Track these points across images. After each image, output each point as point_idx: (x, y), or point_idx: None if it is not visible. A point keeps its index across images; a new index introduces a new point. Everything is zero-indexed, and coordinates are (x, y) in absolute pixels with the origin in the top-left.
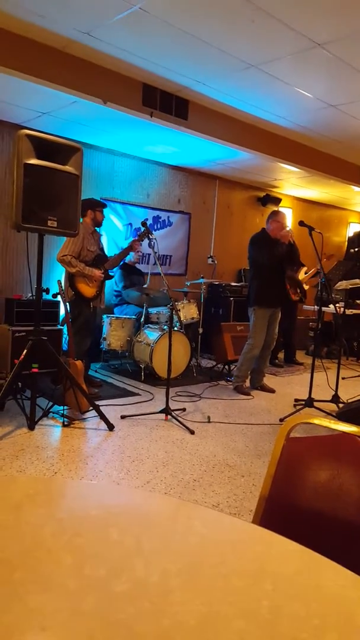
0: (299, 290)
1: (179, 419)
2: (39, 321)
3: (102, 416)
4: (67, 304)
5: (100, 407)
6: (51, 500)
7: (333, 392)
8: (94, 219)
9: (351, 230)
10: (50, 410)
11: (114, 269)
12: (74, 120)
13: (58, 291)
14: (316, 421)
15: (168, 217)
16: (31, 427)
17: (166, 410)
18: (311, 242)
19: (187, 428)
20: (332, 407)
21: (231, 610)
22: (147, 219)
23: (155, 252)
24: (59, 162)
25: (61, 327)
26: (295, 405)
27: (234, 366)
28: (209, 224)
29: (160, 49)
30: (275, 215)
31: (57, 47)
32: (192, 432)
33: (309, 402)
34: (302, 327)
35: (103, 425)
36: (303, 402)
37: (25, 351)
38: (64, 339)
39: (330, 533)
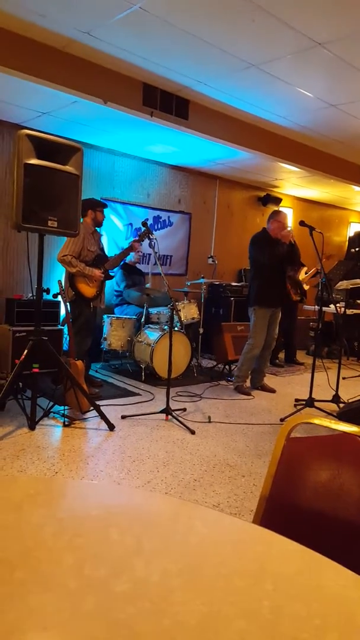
0: (299, 291)
1: (180, 419)
2: (39, 321)
3: (103, 416)
4: (68, 304)
5: (101, 407)
6: (52, 500)
7: (334, 392)
8: (95, 219)
9: (352, 230)
10: (51, 410)
11: (115, 269)
12: (74, 120)
13: (58, 291)
14: (317, 421)
15: (168, 217)
16: (32, 427)
17: (167, 410)
18: (312, 242)
19: (188, 428)
20: (333, 407)
21: (232, 610)
22: (147, 219)
23: (156, 252)
24: (60, 162)
25: (62, 327)
26: (295, 405)
27: (234, 366)
28: (210, 224)
29: (160, 48)
30: (277, 215)
31: (58, 46)
32: (192, 432)
33: (310, 402)
34: (302, 327)
35: (104, 425)
36: (304, 402)
37: (25, 351)
38: (64, 339)
39: (330, 533)
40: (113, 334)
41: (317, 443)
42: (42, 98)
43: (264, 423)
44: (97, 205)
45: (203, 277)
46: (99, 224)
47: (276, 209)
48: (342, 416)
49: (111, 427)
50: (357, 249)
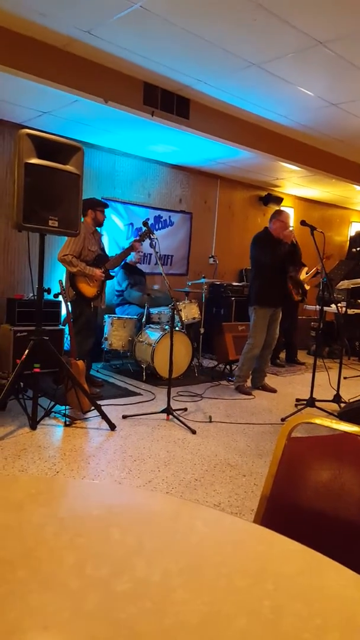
0: (300, 290)
1: (181, 418)
2: (40, 321)
3: (104, 416)
4: (69, 304)
5: (102, 407)
6: (53, 499)
7: (335, 392)
8: (95, 219)
9: (353, 230)
10: (52, 410)
11: (115, 269)
12: (74, 120)
13: (59, 291)
14: (318, 421)
15: (169, 216)
16: (33, 427)
17: (168, 410)
18: (312, 242)
19: (189, 428)
20: (334, 406)
21: (233, 610)
22: (148, 219)
23: (157, 252)
24: (60, 161)
25: (62, 327)
26: (296, 405)
27: (235, 366)
28: (211, 224)
29: (161, 47)
30: (279, 215)
31: (58, 45)
32: (193, 432)
33: (311, 402)
34: (303, 326)
35: (105, 425)
36: (304, 402)
37: (27, 351)
38: (65, 339)
39: (331, 533)
40: (114, 334)
41: (318, 443)
42: (42, 97)
43: (265, 423)
44: (98, 205)
45: (204, 277)
46: (100, 224)
47: (279, 208)
48: (343, 416)
49: (112, 426)
50: (358, 249)
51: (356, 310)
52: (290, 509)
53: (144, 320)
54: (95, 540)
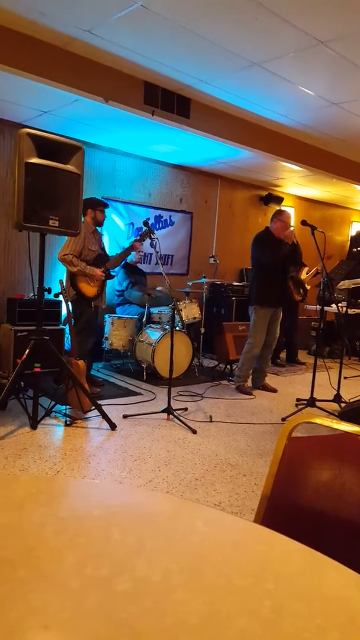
0: (301, 290)
1: (181, 418)
2: (40, 321)
3: (104, 415)
4: (69, 303)
5: (103, 407)
6: (53, 499)
7: (335, 392)
8: (95, 218)
9: (354, 230)
10: (53, 409)
11: (116, 269)
12: (75, 119)
13: (60, 291)
14: (318, 421)
15: (170, 216)
16: (34, 427)
17: (168, 410)
18: (313, 242)
19: (189, 427)
20: (334, 406)
21: (233, 610)
22: (148, 219)
23: (157, 252)
24: (61, 161)
25: (63, 326)
26: (297, 405)
27: (235, 366)
28: (211, 224)
29: (161, 46)
30: (280, 215)
31: (59, 45)
32: (194, 432)
33: (311, 402)
34: (304, 326)
35: (105, 424)
36: (305, 402)
37: (27, 351)
38: (66, 339)
39: (332, 533)
40: (114, 334)
41: (318, 443)
42: (43, 97)
43: (266, 422)
44: (97, 205)
45: (204, 277)
46: (100, 224)
47: (280, 208)
48: (343, 416)
49: (113, 426)
50: (358, 248)
51: (357, 310)
52: (290, 509)
53: (144, 320)
54: (96, 539)
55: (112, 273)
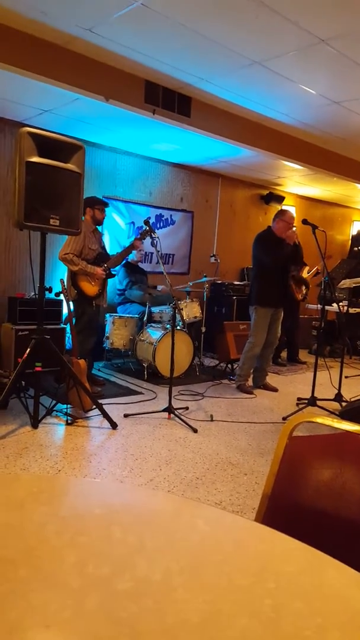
0: (303, 288)
1: (182, 417)
2: (41, 320)
3: (105, 415)
4: (70, 302)
5: (104, 406)
6: (54, 498)
7: (336, 391)
8: (94, 217)
9: (355, 229)
10: (54, 408)
11: (116, 268)
12: (76, 118)
13: (61, 290)
14: (319, 420)
15: (171, 215)
16: (35, 426)
17: (169, 409)
18: (314, 241)
19: (190, 426)
20: (335, 405)
21: (234, 609)
22: (149, 217)
23: (158, 251)
24: (61, 160)
25: (64, 325)
26: (298, 404)
27: (236, 365)
28: (212, 223)
29: (162, 45)
30: (283, 215)
31: (59, 43)
32: (195, 431)
33: (312, 401)
34: (305, 326)
35: (106, 423)
36: (306, 401)
37: (28, 350)
38: (67, 338)
39: (332, 532)
40: (115, 333)
41: (319, 442)
42: (43, 95)
43: (266, 422)
44: (96, 203)
45: (205, 276)
46: (99, 222)
47: (283, 208)
48: (344, 415)
49: (114, 425)
50: (359, 247)
51: (358, 309)
52: (291, 508)
53: (145, 319)
54: (97, 539)
55: (112, 272)
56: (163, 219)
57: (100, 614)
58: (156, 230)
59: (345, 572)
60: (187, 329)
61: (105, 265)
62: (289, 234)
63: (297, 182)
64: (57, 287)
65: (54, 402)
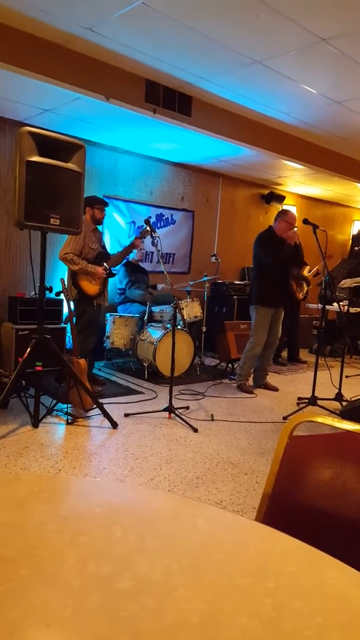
0: (304, 284)
1: (183, 417)
2: (42, 319)
3: (106, 414)
4: (71, 302)
5: (104, 405)
6: (55, 497)
7: (336, 391)
8: (93, 216)
9: (355, 228)
10: (54, 408)
11: (117, 267)
12: (76, 117)
13: (61, 289)
14: (319, 419)
15: (171, 214)
16: (35, 425)
17: (169, 409)
18: (315, 240)
19: (191, 426)
20: (336, 405)
21: (234, 608)
22: (150, 217)
23: (159, 250)
24: (62, 159)
25: (64, 325)
26: (298, 404)
27: (237, 364)
28: (213, 222)
29: (163, 44)
30: (285, 215)
31: (60, 43)
32: (195, 430)
33: (313, 401)
34: (305, 325)
35: (107, 423)
36: (306, 401)
37: (28, 349)
38: (67, 337)
39: (333, 531)
40: (116, 332)
41: (320, 441)
42: (44, 95)
43: (267, 421)
44: (95, 203)
45: (206, 276)
46: (99, 222)
47: (285, 208)
48: (345, 414)
49: (114, 425)
50: None
51: (358, 309)
52: (291, 507)
53: (145, 318)
54: (97, 538)
55: (113, 271)
56: (164, 218)
57: (101, 613)
58: (157, 230)
59: (345, 571)
60: (188, 329)
61: (106, 264)
62: (290, 235)
63: (297, 182)
64: (57, 287)
65: (55, 401)
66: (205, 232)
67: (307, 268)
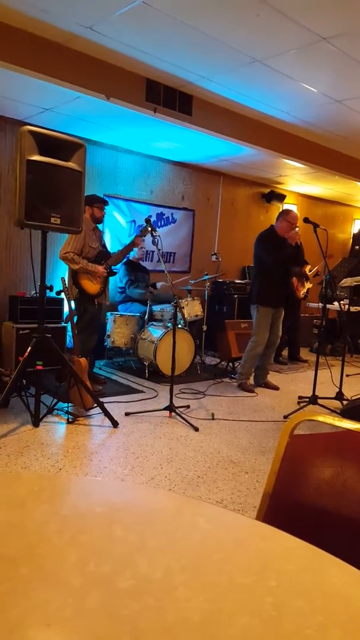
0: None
1: (183, 416)
2: (42, 318)
3: (107, 413)
4: (72, 301)
5: (105, 404)
6: (55, 496)
7: (337, 390)
8: (93, 215)
9: (356, 227)
10: (55, 407)
11: (117, 266)
12: (77, 116)
13: (62, 288)
14: (320, 418)
15: (172, 213)
16: (36, 424)
17: (170, 407)
18: (315, 239)
19: (191, 425)
20: (336, 404)
21: (235, 607)
22: (150, 216)
23: (159, 249)
24: (62, 158)
25: (65, 324)
26: (299, 403)
27: (237, 363)
28: (213, 221)
29: (163, 43)
30: (286, 215)
31: (60, 42)
32: (196, 429)
33: (313, 400)
34: (306, 324)
35: (107, 422)
36: (307, 400)
37: (29, 348)
38: (68, 337)
39: (334, 530)
40: (116, 331)
41: (320, 440)
42: (44, 94)
43: (268, 420)
44: (95, 202)
45: (207, 274)
46: (98, 221)
47: (287, 207)
48: (345, 413)
49: (115, 424)
50: None
51: (359, 308)
52: (292, 506)
53: (146, 317)
54: (98, 537)
55: (114, 270)
56: (164, 217)
57: (101, 612)
58: (157, 229)
59: (346, 570)
60: (189, 328)
61: (106, 263)
62: (292, 234)
63: (298, 181)
64: (58, 286)
65: (55, 400)
66: (206, 231)
67: (308, 267)
